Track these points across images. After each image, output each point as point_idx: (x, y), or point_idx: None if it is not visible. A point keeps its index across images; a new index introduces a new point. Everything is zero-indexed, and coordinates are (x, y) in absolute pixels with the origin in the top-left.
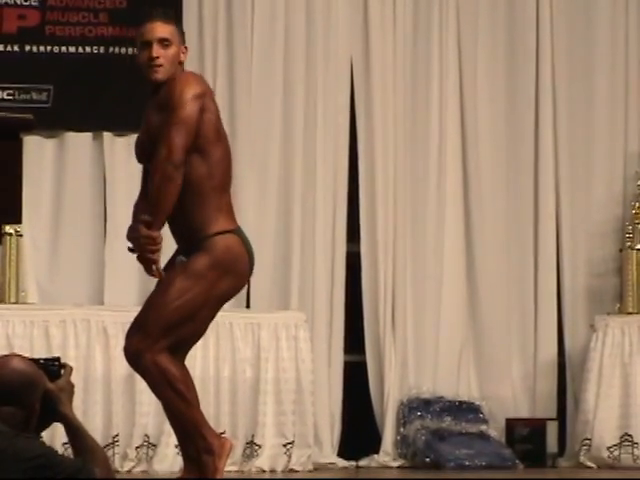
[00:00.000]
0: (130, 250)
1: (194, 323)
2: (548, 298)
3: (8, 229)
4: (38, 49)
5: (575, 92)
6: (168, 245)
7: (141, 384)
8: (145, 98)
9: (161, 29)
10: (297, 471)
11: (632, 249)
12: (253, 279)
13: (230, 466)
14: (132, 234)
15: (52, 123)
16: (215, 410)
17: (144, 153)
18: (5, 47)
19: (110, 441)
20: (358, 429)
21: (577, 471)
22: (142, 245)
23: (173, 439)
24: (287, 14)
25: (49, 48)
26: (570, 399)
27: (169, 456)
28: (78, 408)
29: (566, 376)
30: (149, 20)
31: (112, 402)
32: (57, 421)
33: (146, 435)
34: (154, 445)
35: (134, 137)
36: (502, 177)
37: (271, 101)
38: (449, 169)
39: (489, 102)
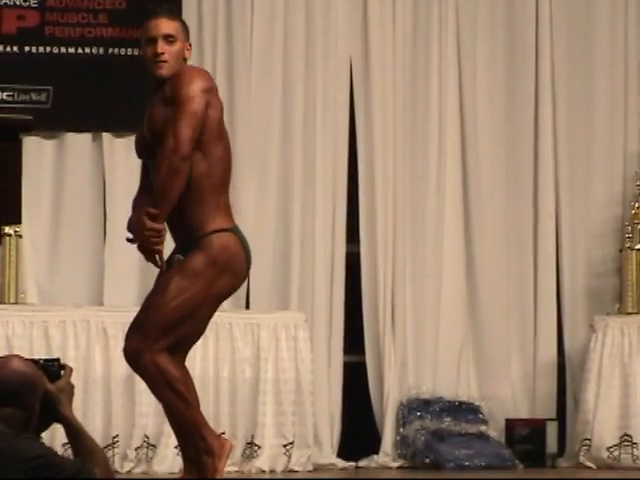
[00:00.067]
0: (129, 241)
1: (193, 322)
2: (548, 298)
3: (8, 230)
4: (37, 50)
5: (575, 91)
6: (168, 243)
7: (141, 385)
8: (144, 99)
9: (166, 25)
10: (297, 471)
11: (632, 249)
12: (252, 279)
13: (230, 467)
14: (133, 225)
15: (51, 124)
16: (215, 410)
17: (145, 148)
18: (4, 48)
19: (110, 442)
20: (358, 429)
21: (577, 471)
22: (146, 237)
23: (173, 440)
24: (286, 12)
25: (48, 49)
26: (570, 399)
27: (169, 457)
28: (78, 409)
29: (566, 376)
30: (154, 16)
31: (112, 403)
32: (57, 422)
33: (146, 436)
34: (154, 446)
35: (134, 138)
36: (501, 176)
37: (270, 100)
38: (448, 168)
39: (488, 100)
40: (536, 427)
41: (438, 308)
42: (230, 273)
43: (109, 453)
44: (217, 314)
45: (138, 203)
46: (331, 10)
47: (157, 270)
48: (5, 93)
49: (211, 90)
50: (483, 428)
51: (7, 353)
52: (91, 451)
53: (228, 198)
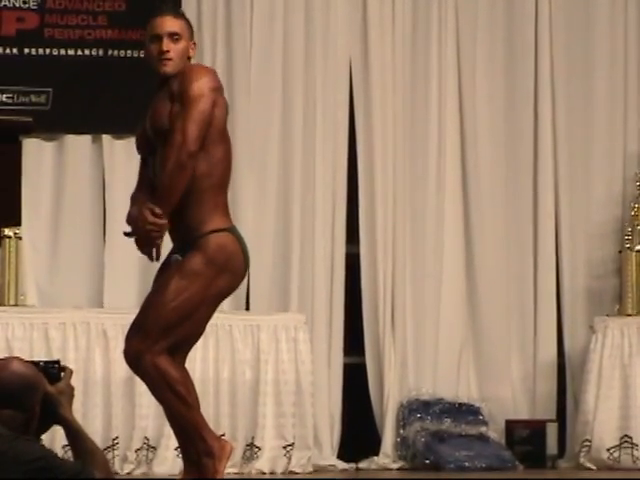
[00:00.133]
0: (127, 234)
1: (192, 322)
2: (548, 299)
3: (7, 232)
4: (37, 52)
5: (574, 91)
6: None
7: (141, 386)
8: (144, 100)
9: (171, 23)
10: (297, 473)
11: (631, 250)
12: (252, 281)
13: (230, 468)
14: (133, 219)
15: (51, 126)
16: (215, 412)
17: (146, 145)
18: (4, 50)
19: (110, 444)
20: (358, 431)
21: (577, 472)
22: (147, 231)
23: (173, 442)
24: (286, 13)
25: (48, 51)
26: (570, 400)
27: (169, 459)
28: (78, 411)
29: (566, 377)
30: (159, 14)
31: (112, 405)
32: (57, 424)
33: (146, 438)
34: (154, 448)
35: (133, 139)
36: (501, 176)
37: (270, 100)
38: (448, 168)
39: (488, 100)
40: (536, 428)
41: (438, 309)
42: (228, 272)
43: (109, 455)
44: (217, 315)
45: (137, 197)
46: (330, 11)
47: (156, 271)
48: (5, 95)
49: (218, 89)
50: (483, 429)
51: (7, 355)
52: (91, 453)
53: (227, 198)
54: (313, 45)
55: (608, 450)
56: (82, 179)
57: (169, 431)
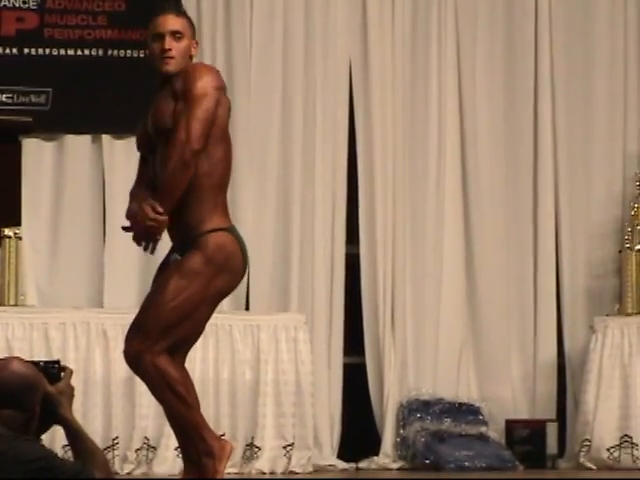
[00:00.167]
0: (125, 229)
1: (192, 322)
2: (547, 299)
3: (7, 232)
4: (37, 52)
5: (574, 91)
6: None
7: (141, 386)
8: (143, 100)
9: (173, 22)
10: (297, 473)
11: (631, 250)
12: (252, 281)
13: (230, 468)
14: (132, 214)
15: (51, 126)
16: (215, 412)
17: (148, 144)
18: (4, 50)
19: (110, 444)
20: (358, 431)
21: (577, 472)
22: (147, 227)
23: (173, 441)
24: (286, 13)
25: (48, 51)
26: (570, 400)
27: (169, 458)
28: (78, 411)
29: (566, 377)
30: (161, 12)
31: (112, 404)
32: (57, 424)
33: (146, 437)
34: (154, 447)
35: (133, 139)
36: (501, 176)
37: (270, 100)
38: (448, 168)
39: (488, 100)
40: (536, 428)
41: (438, 309)
42: (227, 272)
43: (109, 455)
44: (217, 316)
45: (136, 193)
46: (330, 11)
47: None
48: (4, 95)
49: (222, 88)
50: (483, 429)
51: (7, 355)
52: (91, 453)
53: (226, 198)
54: (313, 45)
55: (608, 450)
56: (82, 179)
57: (169, 431)
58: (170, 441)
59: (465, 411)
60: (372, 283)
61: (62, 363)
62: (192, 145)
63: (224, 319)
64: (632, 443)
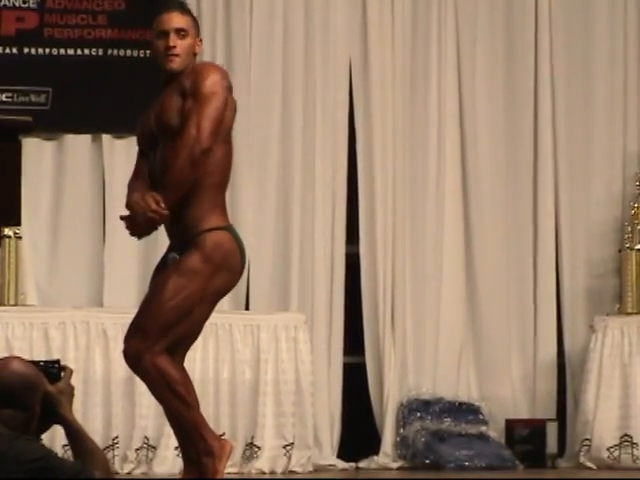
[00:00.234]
0: (123, 218)
1: (191, 321)
2: (547, 298)
3: (7, 231)
4: (37, 51)
5: (574, 91)
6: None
7: (141, 386)
8: (143, 100)
9: (178, 19)
10: (297, 472)
11: (631, 249)
12: (252, 280)
13: (230, 468)
14: (133, 204)
15: (51, 125)
16: (215, 412)
17: (150, 140)
18: (4, 49)
19: (110, 443)
20: (358, 430)
21: (577, 472)
22: (148, 219)
23: (173, 441)
24: (286, 13)
25: (48, 50)
26: (570, 400)
27: (169, 458)
28: (78, 410)
29: (566, 377)
30: (166, 10)
31: (112, 404)
32: (57, 423)
33: (146, 437)
34: (154, 447)
35: (133, 139)
36: (501, 176)
37: (270, 100)
38: (448, 168)
39: (488, 100)
40: (536, 427)
41: (438, 308)
42: (226, 270)
43: (109, 454)
44: (217, 315)
45: (134, 186)
46: (330, 11)
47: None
48: (4, 95)
49: (230, 89)
50: (483, 429)
51: (7, 355)
52: (91, 452)
53: (225, 198)
54: (313, 45)
55: (608, 449)
56: (82, 178)
57: (169, 431)
58: (170, 441)
59: (465, 410)
60: (372, 283)
61: (62, 363)
62: (202, 144)
63: (224, 319)
64: (632, 443)
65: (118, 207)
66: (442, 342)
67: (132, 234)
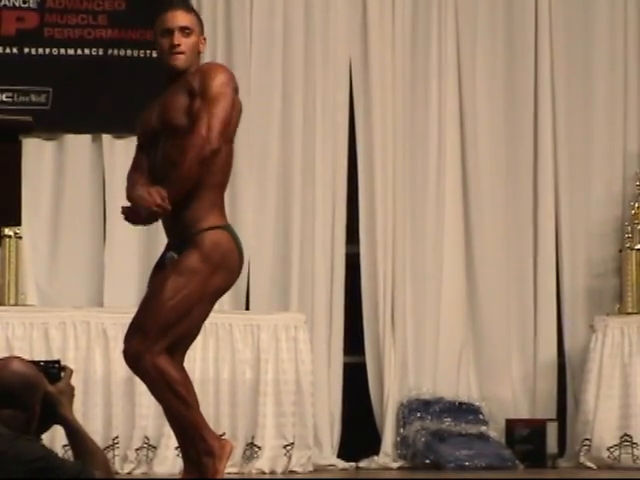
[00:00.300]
0: (124, 209)
1: (190, 320)
2: (548, 298)
3: (7, 231)
4: (37, 51)
5: (574, 91)
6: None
7: (141, 386)
8: (144, 100)
9: (182, 17)
10: (297, 472)
11: (631, 249)
12: (252, 280)
13: (230, 468)
14: (136, 197)
15: (51, 125)
16: (215, 412)
17: (151, 138)
18: (4, 49)
19: (110, 443)
20: (358, 430)
21: (577, 471)
22: (151, 212)
23: (173, 441)
24: (286, 12)
25: (48, 50)
26: (570, 399)
27: (169, 458)
28: (78, 410)
29: (566, 376)
30: (170, 8)
31: (112, 404)
32: (57, 423)
33: (146, 437)
34: (154, 447)
35: (133, 139)
36: (501, 176)
37: (270, 100)
38: (448, 168)
39: (488, 101)
40: (536, 427)
41: (438, 308)
42: (224, 270)
43: (109, 454)
44: (217, 315)
45: (134, 177)
46: (330, 11)
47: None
48: (5, 95)
49: (236, 90)
50: (483, 428)
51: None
52: (91, 452)
53: (223, 198)
54: (313, 45)
55: (608, 449)
56: (82, 178)
57: (169, 431)
58: (170, 441)
59: (465, 410)
60: (372, 283)
61: (62, 363)
62: (213, 144)
63: (224, 318)
64: (632, 442)
65: (118, 207)
66: (442, 342)
67: (130, 223)
